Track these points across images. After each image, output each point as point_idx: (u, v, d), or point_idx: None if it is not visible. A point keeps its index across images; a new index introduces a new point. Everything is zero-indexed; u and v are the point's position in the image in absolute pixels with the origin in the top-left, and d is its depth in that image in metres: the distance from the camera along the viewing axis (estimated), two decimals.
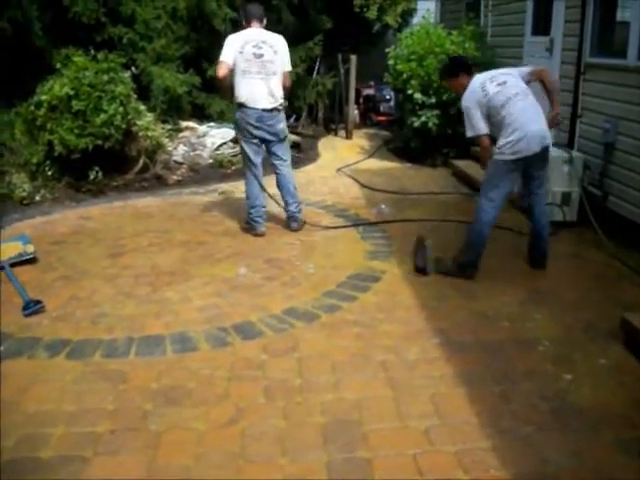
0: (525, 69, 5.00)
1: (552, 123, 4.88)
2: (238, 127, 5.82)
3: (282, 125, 5.78)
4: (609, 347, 3.81)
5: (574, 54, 6.51)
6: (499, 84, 4.73)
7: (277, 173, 5.91)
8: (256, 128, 5.64)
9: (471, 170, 7.65)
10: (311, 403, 3.24)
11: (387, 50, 9.28)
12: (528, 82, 4.85)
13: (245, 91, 5.55)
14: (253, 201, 5.82)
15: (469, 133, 4.85)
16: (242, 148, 5.87)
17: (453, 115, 8.03)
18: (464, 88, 4.85)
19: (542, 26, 7.43)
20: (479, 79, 4.82)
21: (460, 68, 4.99)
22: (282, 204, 6.04)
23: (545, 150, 4.76)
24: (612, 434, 3.00)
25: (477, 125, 4.76)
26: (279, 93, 5.65)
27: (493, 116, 4.71)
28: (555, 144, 6.60)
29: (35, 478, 2.71)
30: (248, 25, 5.64)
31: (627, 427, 3.07)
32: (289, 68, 5.78)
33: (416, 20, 11.30)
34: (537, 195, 4.96)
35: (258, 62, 5.51)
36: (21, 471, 2.75)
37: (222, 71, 5.50)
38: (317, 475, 2.72)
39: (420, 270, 4.92)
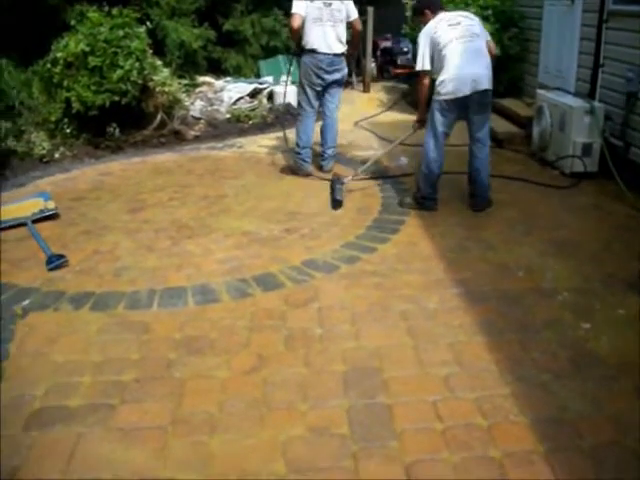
0: (487, 34, 5.18)
1: None
2: (304, 72, 6.12)
3: (346, 70, 6.23)
4: (628, 297, 3.81)
5: (596, 1, 6.35)
6: (451, 25, 4.97)
7: (327, 116, 6.29)
8: (327, 72, 6.03)
9: (492, 123, 7.54)
10: (331, 351, 3.29)
11: (405, 1, 9.11)
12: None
13: (318, 38, 5.93)
14: (305, 142, 6.21)
15: (417, 67, 5.14)
16: (304, 92, 6.19)
17: None
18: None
19: None
20: (438, 18, 5.06)
21: (425, 6, 5.26)
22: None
23: (482, 95, 4.92)
24: (631, 382, 3.02)
25: (422, 61, 5.04)
26: (345, 39, 6.07)
27: (436, 54, 4.96)
28: (576, 94, 6.54)
29: (64, 425, 2.78)
30: None
31: None
32: (356, 15, 6.17)
33: None
34: (477, 141, 5.12)
35: (328, 10, 5.92)
36: (51, 419, 2.82)
37: (296, 22, 5.91)
38: (338, 421, 2.77)
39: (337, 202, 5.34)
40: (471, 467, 2.50)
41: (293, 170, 6.32)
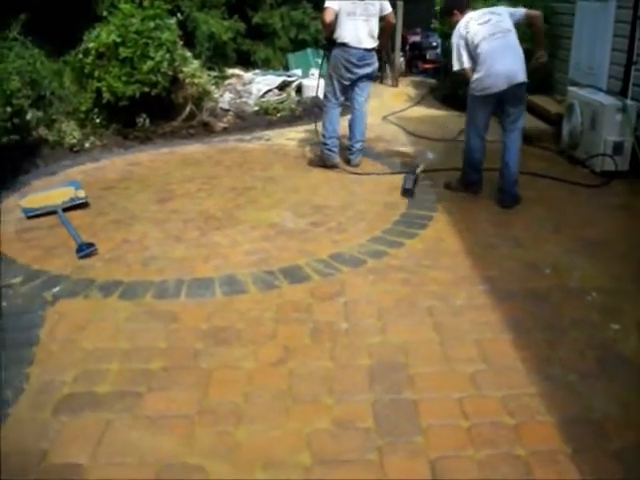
0: (520, 11, 5.19)
1: (537, 62, 5.20)
2: (334, 65, 6.12)
3: (376, 64, 6.26)
4: None
5: None
6: (480, 23, 5.06)
7: (355, 109, 6.28)
8: (357, 67, 6.03)
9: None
10: (357, 345, 3.29)
11: None
12: (519, 23, 5.17)
13: (350, 32, 5.92)
14: (331, 133, 6.21)
15: (455, 66, 5.24)
16: (331, 84, 6.19)
17: None
18: (457, 24, 5.22)
19: None
20: (467, 17, 5.15)
21: (453, 6, 5.35)
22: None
23: (517, 88, 5.03)
24: None
25: (461, 59, 5.14)
26: (377, 34, 6.07)
27: (472, 52, 5.07)
28: (608, 92, 6.46)
29: (92, 411, 2.81)
30: None
31: None
32: (390, 10, 6.16)
33: None
34: (511, 133, 5.21)
35: (361, 5, 5.91)
36: (79, 405, 2.86)
37: (329, 16, 5.86)
38: (363, 415, 2.78)
39: (407, 192, 5.44)
40: (496, 464, 2.50)
41: (321, 162, 6.32)
